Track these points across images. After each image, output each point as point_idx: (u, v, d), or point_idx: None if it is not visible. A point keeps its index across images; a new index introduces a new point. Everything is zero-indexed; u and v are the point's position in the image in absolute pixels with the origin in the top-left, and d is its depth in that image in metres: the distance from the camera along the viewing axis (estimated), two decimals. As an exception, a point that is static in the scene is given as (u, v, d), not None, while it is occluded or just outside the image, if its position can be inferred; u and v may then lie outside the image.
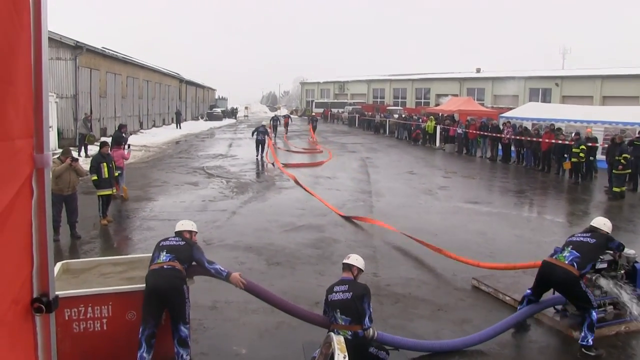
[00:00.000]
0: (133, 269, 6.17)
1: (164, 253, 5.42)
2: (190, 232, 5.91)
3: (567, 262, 5.97)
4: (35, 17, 1.86)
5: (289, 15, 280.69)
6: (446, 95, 49.19)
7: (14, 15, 1.72)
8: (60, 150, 10.69)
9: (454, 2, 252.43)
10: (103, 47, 32.16)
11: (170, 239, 5.71)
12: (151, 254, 5.63)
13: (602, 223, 6.43)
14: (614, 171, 15.99)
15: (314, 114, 52.59)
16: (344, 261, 5.62)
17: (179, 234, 5.85)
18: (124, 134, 15.62)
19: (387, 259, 9.20)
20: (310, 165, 21.61)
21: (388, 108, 50.80)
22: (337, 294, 5.30)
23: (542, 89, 48.47)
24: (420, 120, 33.20)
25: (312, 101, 78.44)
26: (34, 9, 1.86)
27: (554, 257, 6.22)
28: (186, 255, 5.51)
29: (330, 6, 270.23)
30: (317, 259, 9.10)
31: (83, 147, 22.16)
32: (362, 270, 5.62)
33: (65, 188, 9.86)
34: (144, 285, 5.26)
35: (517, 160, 23.25)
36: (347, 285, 5.33)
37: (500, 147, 24.55)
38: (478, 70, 59.98)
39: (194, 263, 5.58)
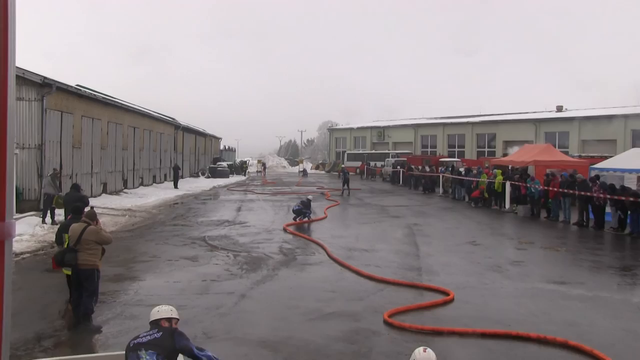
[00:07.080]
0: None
1: (144, 353, 5.38)
2: (169, 319, 5.89)
3: None
4: (2, 54, 1.95)
5: (311, 46, 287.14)
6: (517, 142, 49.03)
7: None
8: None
9: (525, 21, 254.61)
10: (77, 85, 32.99)
11: (142, 335, 5.66)
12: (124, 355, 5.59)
13: None
14: None
15: (343, 166, 54.25)
16: None
17: (154, 323, 5.83)
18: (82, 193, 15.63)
19: (443, 358, 9.00)
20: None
21: (441, 160, 50.82)
22: None
23: (650, 130, 47.80)
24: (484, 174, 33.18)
25: (344, 152, 78.73)
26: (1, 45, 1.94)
27: None
28: (170, 348, 5.47)
29: (365, 31, 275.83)
30: (351, 357, 8.97)
31: (49, 212, 22.25)
32: None
33: None
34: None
35: (618, 226, 22.76)
36: None
37: (590, 208, 24.19)
38: (559, 109, 59.96)
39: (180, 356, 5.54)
